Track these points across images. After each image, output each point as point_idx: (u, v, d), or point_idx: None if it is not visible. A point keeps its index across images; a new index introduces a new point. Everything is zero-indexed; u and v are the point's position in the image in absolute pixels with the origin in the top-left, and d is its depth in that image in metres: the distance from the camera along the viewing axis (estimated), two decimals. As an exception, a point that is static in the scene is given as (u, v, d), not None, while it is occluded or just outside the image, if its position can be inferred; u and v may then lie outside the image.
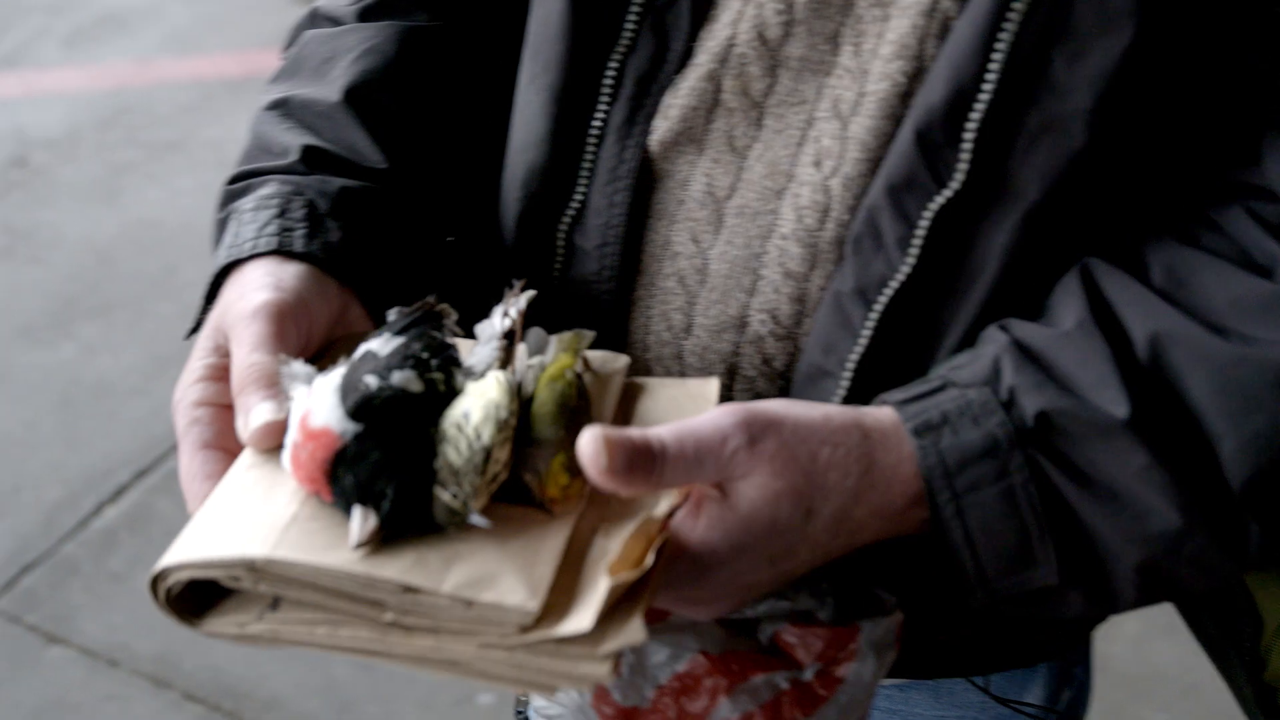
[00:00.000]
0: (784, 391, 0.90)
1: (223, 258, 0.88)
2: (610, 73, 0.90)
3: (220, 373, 0.82)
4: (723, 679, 0.80)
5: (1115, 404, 0.74)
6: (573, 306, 0.94)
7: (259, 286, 0.84)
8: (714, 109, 0.88)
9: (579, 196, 0.92)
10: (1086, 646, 1.10)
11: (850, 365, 0.84)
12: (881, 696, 1.02)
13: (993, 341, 0.79)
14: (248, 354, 0.80)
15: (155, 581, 0.70)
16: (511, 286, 0.84)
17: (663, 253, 0.91)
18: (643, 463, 0.70)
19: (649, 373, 0.93)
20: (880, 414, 0.76)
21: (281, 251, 0.87)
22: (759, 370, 0.89)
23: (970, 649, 0.97)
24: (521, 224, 0.95)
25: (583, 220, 0.92)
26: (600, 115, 0.90)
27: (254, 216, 0.89)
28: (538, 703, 0.88)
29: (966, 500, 0.74)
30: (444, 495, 0.70)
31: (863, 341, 0.83)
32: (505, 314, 0.82)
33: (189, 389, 0.82)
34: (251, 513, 0.72)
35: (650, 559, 0.68)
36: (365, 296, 0.90)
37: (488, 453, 0.71)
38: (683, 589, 0.74)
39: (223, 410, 0.80)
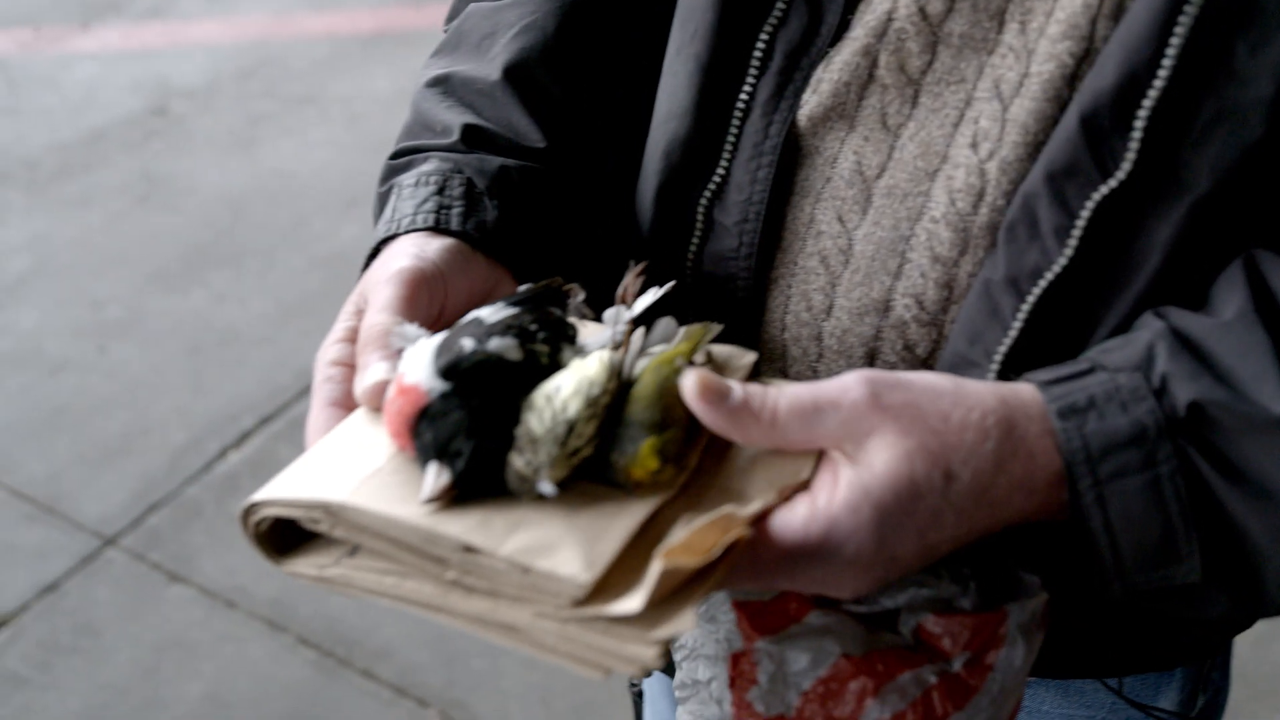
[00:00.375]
0: (925, 380, 0.87)
1: (381, 231, 0.91)
2: (760, 44, 0.88)
3: (356, 335, 0.84)
4: (869, 680, 0.78)
5: (1274, 399, 0.70)
6: (709, 283, 0.92)
7: (403, 255, 0.86)
8: (867, 85, 0.85)
9: (721, 170, 0.90)
10: (1226, 650, 1.06)
11: (998, 357, 0.81)
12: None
13: (1148, 327, 0.75)
14: (374, 314, 0.82)
15: (246, 514, 0.73)
16: (631, 266, 0.83)
17: (806, 231, 0.89)
18: (748, 403, 0.70)
19: (785, 354, 0.91)
20: (1020, 388, 0.74)
21: (435, 228, 0.89)
22: (900, 356, 0.87)
23: (1104, 649, 0.93)
24: (661, 197, 0.94)
25: (723, 195, 0.91)
26: (748, 88, 0.88)
27: (413, 193, 0.92)
28: (680, 716, 0.86)
29: (1109, 488, 0.71)
30: (518, 461, 0.71)
31: (1013, 333, 0.80)
32: (628, 300, 0.82)
33: (328, 348, 0.84)
34: (343, 462, 0.75)
35: (717, 551, 0.67)
36: (518, 274, 0.91)
37: (570, 426, 0.71)
38: (828, 565, 0.71)
39: (353, 370, 0.82)
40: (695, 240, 0.93)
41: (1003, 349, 0.81)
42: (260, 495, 0.72)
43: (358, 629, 2.46)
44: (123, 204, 3.70)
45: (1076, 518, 0.73)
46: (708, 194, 0.91)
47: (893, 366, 0.87)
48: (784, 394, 0.71)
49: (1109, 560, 0.73)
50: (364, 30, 4.57)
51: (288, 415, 2.97)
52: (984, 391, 0.73)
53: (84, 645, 2.47)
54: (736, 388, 0.71)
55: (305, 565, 0.73)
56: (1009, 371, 0.81)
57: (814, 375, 0.90)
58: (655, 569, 0.65)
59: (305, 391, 3.03)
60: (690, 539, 0.67)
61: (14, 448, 2.88)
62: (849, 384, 0.71)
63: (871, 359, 0.88)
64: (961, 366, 0.83)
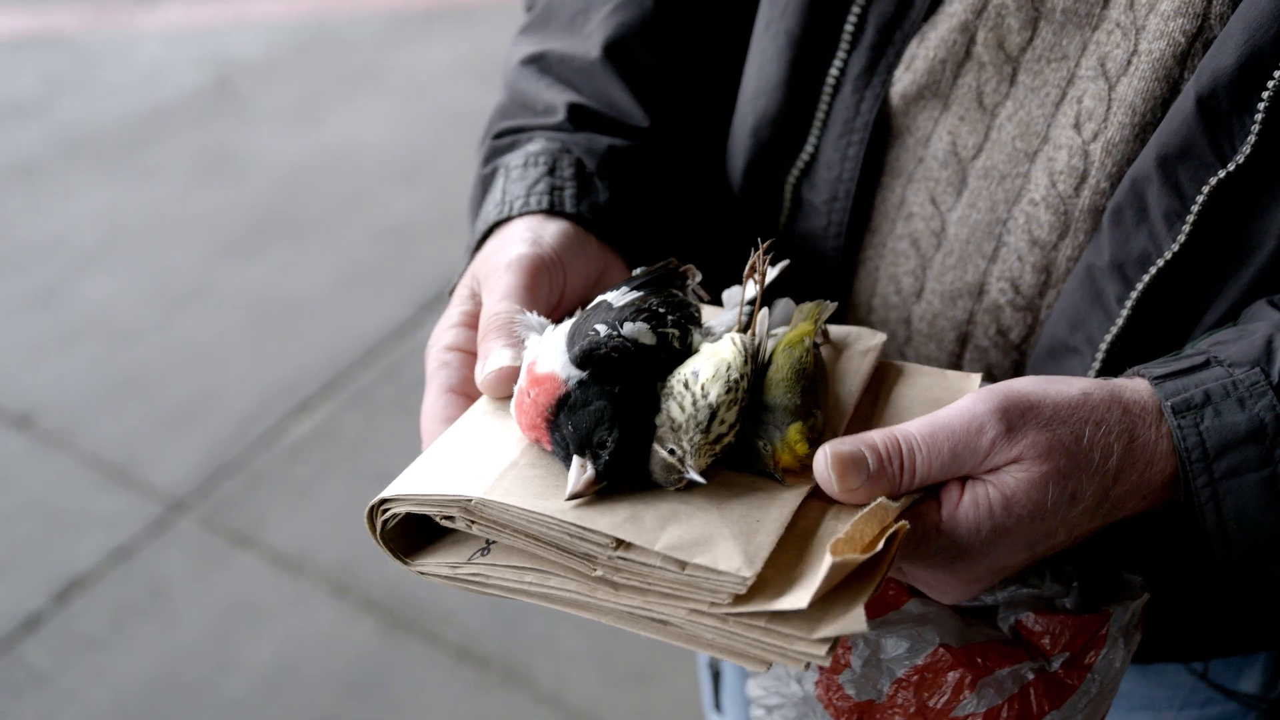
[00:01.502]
0: (1018, 365, 0.87)
1: (492, 214, 0.89)
2: (851, 19, 0.86)
3: (473, 320, 0.83)
4: (967, 672, 0.77)
5: None
6: (796, 263, 0.92)
7: (519, 240, 0.84)
8: (964, 62, 0.84)
9: (810, 148, 0.90)
10: (1310, 636, 1.05)
11: (1104, 345, 0.80)
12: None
13: (1264, 319, 0.74)
14: (495, 302, 0.80)
15: (372, 512, 0.70)
16: (757, 247, 0.82)
17: (896, 213, 0.88)
18: (889, 470, 0.68)
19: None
20: (1139, 388, 0.72)
21: (550, 210, 0.87)
22: (993, 341, 0.86)
23: (1190, 634, 0.93)
24: (749, 174, 0.93)
25: (812, 173, 0.90)
26: (838, 63, 0.87)
27: (523, 174, 0.90)
28: (754, 691, 0.86)
29: (1224, 486, 0.71)
30: (662, 451, 0.69)
31: (1120, 320, 0.79)
32: (753, 279, 0.80)
33: (443, 333, 0.83)
34: (473, 456, 0.72)
35: (881, 545, 0.65)
36: (627, 255, 0.90)
37: (713, 411, 0.69)
38: (937, 570, 0.72)
39: (470, 356, 0.82)
40: (784, 219, 0.92)
41: (1109, 337, 0.80)
42: (390, 491, 0.70)
43: (420, 594, 2.50)
44: (189, 177, 3.75)
45: (1189, 514, 0.72)
46: (796, 171, 0.91)
47: (985, 351, 0.87)
48: (919, 443, 0.68)
49: (1220, 555, 0.73)
50: (421, 6, 4.59)
51: (351, 384, 3.01)
52: (1109, 402, 0.71)
53: (155, 608, 2.53)
54: (869, 455, 0.68)
55: (437, 564, 0.70)
56: (1113, 360, 0.80)
57: (902, 358, 0.90)
58: (825, 565, 0.63)
59: (367, 360, 3.07)
60: (851, 532, 0.65)
61: (87, 415, 2.94)
62: (983, 419, 0.68)
63: (963, 343, 0.87)
64: (1060, 353, 0.83)
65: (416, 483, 0.71)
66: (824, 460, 0.68)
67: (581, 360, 0.70)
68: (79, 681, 2.39)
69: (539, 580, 0.68)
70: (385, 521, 0.71)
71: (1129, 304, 0.79)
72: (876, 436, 0.68)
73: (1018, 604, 0.80)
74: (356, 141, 3.88)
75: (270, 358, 3.12)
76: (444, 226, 3.34)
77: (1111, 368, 0.80)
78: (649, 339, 0.72)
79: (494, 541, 0.70)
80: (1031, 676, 0.78)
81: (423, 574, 0.71)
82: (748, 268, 0.79)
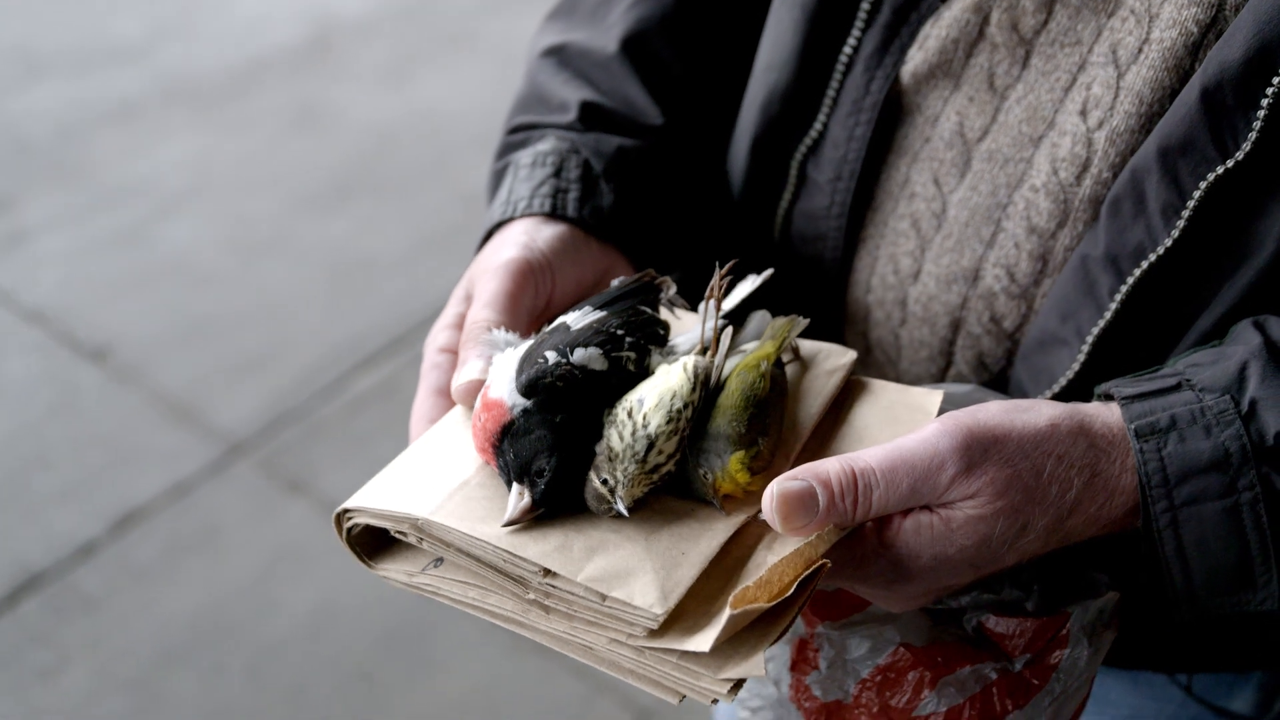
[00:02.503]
0: (1010, 354, 0.85)
1: (496, 215, 0.90)
2: None
3: (464, 321, 0.84)
4: (927, 671, 0.77)
5: None
6: (798, 241, 0.92)
7: (512, 244, 0.85)
8: (976, 43, 0.83)
9: (819, 125, 0.89)
10: (1311, 658, 1.02)
11: (1090, 337, 0.79)
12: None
13: (1243, 342, 0.72)
14: (478, 309, 0.82)
15: (339, 519, 0.74)
16: (718, 267, 0.81)
17: (900, 192, 0.87)
18: (840, 506, 0.67)
19: (869, 317, 0.90)
20: (1109, 418, 0.71)
21: (551, 213, 0.88)
22: (985, 328, 0.85)
23: (1175, 644, 0.91)
24: (756, 149, 0.93)
25: (819, 150, 0.89)
26: (853, 40, 0.86)
27: (530, 173, 0.91)
28: (740, 693, 0.87)
29: (1184, 513, 0.69)
30: (596, 480, 0.70)
31: (1108, 314, 0.78)
32: (716, 299, 0.80)
33: (438, 334, 0.85)
34: (432, 472, 0.75)
35: (793, 590, 0.66)
36: (632, 256, 0.91)
37: (650, 443, 0.69)
38: (877, 589, 0.72)
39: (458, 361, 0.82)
40: (787, 196, 0.91)
41: (1096, 330, 0.78)
42: (353, 503, 0.74)
43: (463, 556, 2.52)
44: (279, 129, 3.82)
45: (1148, 541, 0.71)
46: (803, 148, 0.90)
47: (977, 339, 0.85)
48: (876, 479, 0.67)
49: (1179, 584, 0.71)
50: (524, -27, 4.61)
51: (416, 344, 3.04)
52: (1075, 434, 0.69)
53: (206, 545, 2.59)
54: (820, 491, 0.67)
55: (396, 570, 0.74)
56: (1099, 353, 0.79)
57: (895, 341, 0.89)
58: (724, 615, 0.64)
59: (434, 322, 3.10)
60: (769, 575, 0.66)
61: (159, 354, 3.01)
62: (944, 456, 0.67)
63: (956, 329, 0.86)
64: (1050, 344, 0.81)
65: (376, 497, 0.74)
66: (770, 500, 0.67)
67: (527, 389, 0.72)
68: (127, 610, 2.46)
69: (480, 597, 0.71)
70: (351, 528, 0.74)
71: (1120, 297, 0.77)
72: (831, 470, 0.67)
73: (980, 607, 0.80)
74: (445, 106, 3.91)
75: (341, 312, 3.17)
76: (521, 194, 3.35)
77: (1097, 361, 0.79)
78: (600, 364, 0.74)
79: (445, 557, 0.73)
80: (994, 676, 0.77)
81: (385, 578, 0.74)
82: (708, 289, 0.79)
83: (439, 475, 0.74)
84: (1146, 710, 0.96)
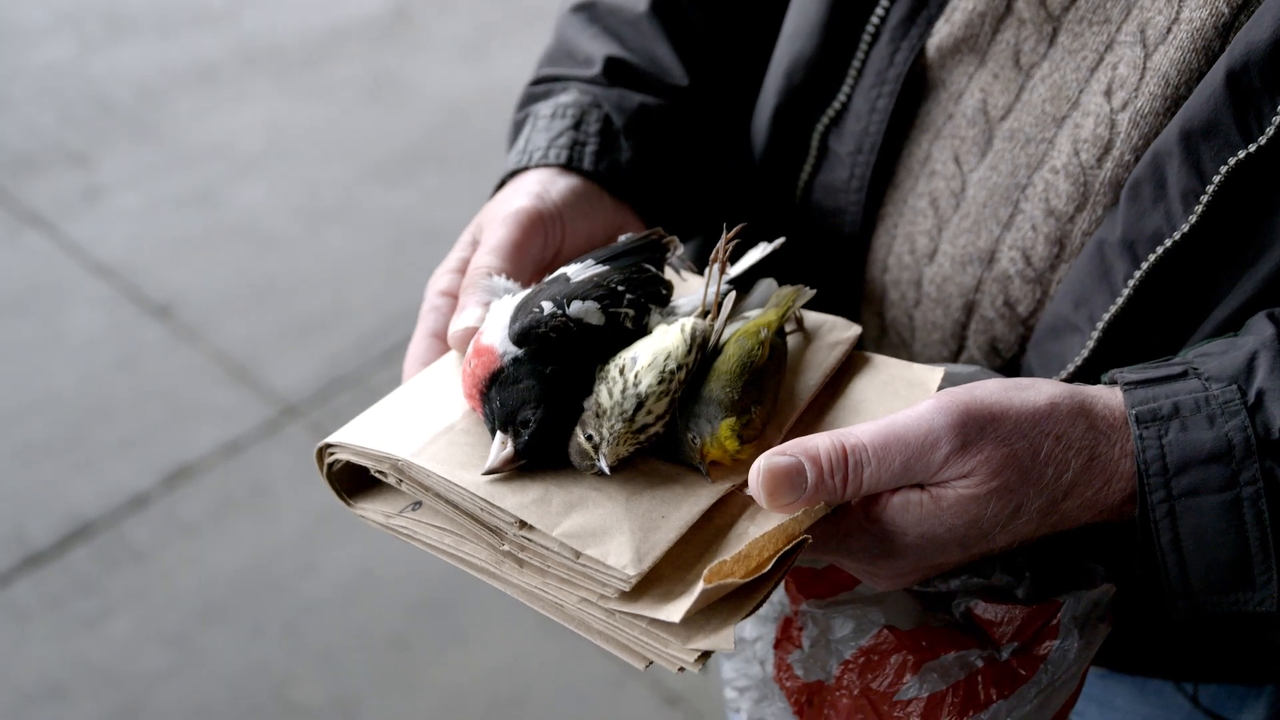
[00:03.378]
0: (1024, 340, 0.82)
1: (511, 163, 0.90)
2: None
3: (468, 266, 0.83)
4: (910, 655, 0.76)
5: None
6: (817, 215, 0.89)
7: (524, 193, 0.84)
8: (1004, 18, 0.80)
9: (842, 97, 0.87)
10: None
11: (1101, 323, 0.76)
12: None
13: (1256, 333, 0.69)
14: (482, 255, 0.80)
15: (320, 454, 0.73)
16: (725, 230, 0.79)
17: (920, 169, 0.85)
18: (830, 483, 0.64)
19: (884, 296, 0.88)
20: (1112, 401, 0.68)
21: (567, 165, 0.86)
22: (999, 312, 0.82)
23: (1179, 650, 0.87)
24: (777, 118, 0.91)
25: (841, 122, 0.87)
26: (880, 10, 0.84)
27: (549, 124, 0.90)
28: (727, 672, 0.86)
29: (1182, 505, 0.66)
30: (581, 435, 0.69)
31: (1120, 300, 0.75)
32: (722, 262, 0.78)
33: (439, 277, 0.84)
34: (418, 414, 0.74)
35: (770, 566, 0.64)
36: (645, 215, 0.89)
37: (640, 401, 0.68)
38: (862, 564, 0.70)
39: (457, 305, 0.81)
40: (808, 168, 0.89)
41: (1108, 316, 0.76)
42: (335, 438, 0.73)
43: (504, 530, 2.53)
44: (354, 98, 3.85)
45: (1144, 531, 0.68)
46: (825, 119, 0.88)
47: (991, 323, 0.83)
48: (868, 456, 0.65)
49: (1175, 578, 0.69)
50: (607, -48, 4.59)
51: (472, 317, 3.05)
52: (1075, 414, 0.67)
53: (254, 504, 2.62)
54: (809, 468, 0.65)
55: (373, 510, 0.73)
56: (1111, 341, 0.76)
57: (910, 322, 0.87)
58: (698, 587, 0.63)
59: (492, 297, 3.10)
60: (748, 549, 0.64)
61: (220, 313, 3.05)
62: (938, 433, 0.65)
63: (969, 312, 0.83)
64: (1062, 330, 0.79)
65: (359, 434, 0.73)
66: (757, 475, 0.65)
67: (519, 338, 0.71)
68: (173, 564, 2.49)
69: (455, 544, 0.70)
70: (332, 465, 0.73)
71: (1133, 283, 0.75)
72: (821, 446, 0.65)
73: (969, 592, 0.77)
74: (518, 81, 3.88)
75: (401, 281, 3.19)
76: (587, 173, 3.34)
77: (1107, 348, 0.76)
78: (596, 319, 0.72)
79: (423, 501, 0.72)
80: (980, 664, 0.75)
81: (362, 516, 0.74)
82: (714, 251, 0.77)
83: (425, 418, 0.73)
84: (1154, 718, 0.93)
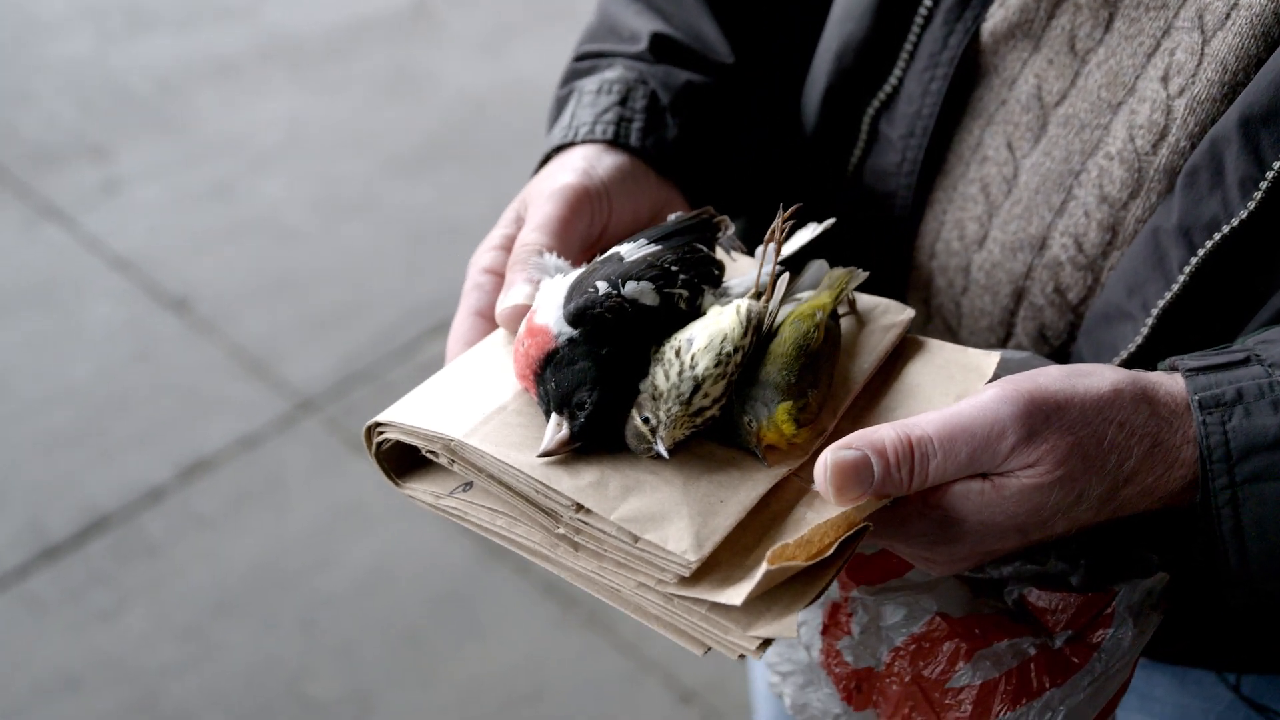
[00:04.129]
0: (1073, 328, 0.81)
1: (557, 137, 0.88)
2: None
3: (512, 243, 0.81)
4: (963, 643, 0.74)
5: None
6: (866, 200, 0.88)
7: (571, 169, 0.83)
8: (1059, 3, 0.79)
9: (893, 80, 0.85)
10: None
11: (1155, 311, 0.74)
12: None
13: None
14: (529, 232, 0.79)
15: (369, 432, 0.72)
16: (781, 210, 0.78)
17: (971, 155, 0.83)
18: (896, 477, 0.63)
19: (931, 283, 0.86)
20: (1173, 387, 0.67)
21: (614, 141, 0.85)
22: (1049, 300, 0.80)
23: (1226, 641, 0.86)
24: (827, 101, 0.89)
25: (892, 106, 0.85)
26: None
27: (594, 100, 0.88)
28: (769, 657, 0.85)
29: (1245, 491, 0.65)
30: (638, 418, 0.68)
31: (1175, 287, 0.74)
32: (777, 242, 0.76)
33: (482, 254, 0.82)
34: (470, 393, 0.73)
35: (832, 551, 0.63)
36: (690, 193, 0.88)
37: (697, 384, 0.67)
38: (919, 550, 0.68)
39: (503, 281, 0.80)
40: (858, 151, 0.88)
41: (1162, 303, 0.74)
42: (385, 416, 0.71)
43: (521, 527, 2.51)
44: (374, 93, 3.84)
45: (1205, 517, 0.67)
46: (876, 103, 0.86)
47: (1040, 310, 0.81)
48: (934, 448, 0.64)
49: (1235, 566, 0.67)
50: (627, -50, 4.57)
51: (490, 313, 3.04)
52: (1138, 401, 0.66)
53: (270, 498, 2.61)
54: (876, 462, 0.64)
55: (423, 490, 0.72)
56: (1164, 329, 0.74)
57: (956, 309, 0.85)
58: (759, 570, 0.62)
59: (510, 293, 3.08)
60: (810, 534, 0.63)
61: (239, 306, 3.05)
62: (1004, 421, 0.63)
63: (1018, 299, 0.82)
64: (1115, 318, 0.77)
65: (410, 413, 0.71)
66: (824, 469, 0.64)
67: (574, 318, 0.70)
68: (188, 557, 2.49)
69: (508, 526, 0.69)
70: (380, 443, 0.72)
71: (1189, 270, 0.73)
72: (887, 438, 0.63)
73: (1022, 578, 0.77)
74: (538, 77, 3.90)
75: (419, 276, 3.18)
76: (607, 169, 3.33)
77: (1162, 336, 0.75)
78: (651, 299, 0.71)
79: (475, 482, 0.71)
80: (1033, 652, 0.74)
81: (410, 497, 0.72)
82: (769, 231, 0.76)
83: (476, 398, 0.72)
84: (1193, 709, 0.92)
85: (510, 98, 3.82)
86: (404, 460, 0.73)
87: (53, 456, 2.67)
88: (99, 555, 2.47)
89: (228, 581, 2.45)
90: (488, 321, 0.79)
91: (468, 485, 0.70)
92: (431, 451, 0.70)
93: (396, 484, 0.72)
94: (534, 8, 4.25)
